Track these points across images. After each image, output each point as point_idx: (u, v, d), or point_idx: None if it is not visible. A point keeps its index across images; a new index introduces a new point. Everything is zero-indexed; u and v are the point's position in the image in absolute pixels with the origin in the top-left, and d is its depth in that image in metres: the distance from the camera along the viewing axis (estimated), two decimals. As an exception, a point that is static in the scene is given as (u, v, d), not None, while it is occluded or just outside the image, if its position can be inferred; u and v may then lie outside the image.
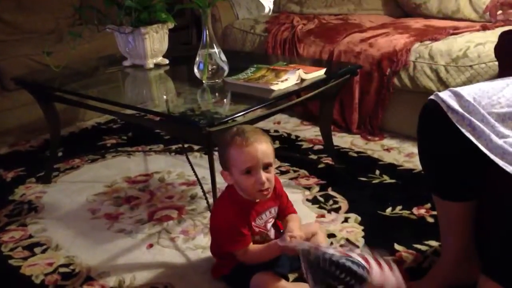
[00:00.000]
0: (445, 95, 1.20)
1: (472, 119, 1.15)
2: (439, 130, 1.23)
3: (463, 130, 1.15)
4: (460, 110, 1.16)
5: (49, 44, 2.74)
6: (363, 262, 1.18)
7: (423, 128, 1.28)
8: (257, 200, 1.44)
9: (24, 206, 2.07)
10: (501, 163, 1.08)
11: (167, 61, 2.20)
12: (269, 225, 1.48)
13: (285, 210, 1.53)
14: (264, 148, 1.37)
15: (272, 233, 1.50)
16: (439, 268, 1.40)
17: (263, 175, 1.37)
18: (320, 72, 1.84)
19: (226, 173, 1.42)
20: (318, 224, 1.70)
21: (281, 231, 1.58)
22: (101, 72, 2.31)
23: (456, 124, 1.16)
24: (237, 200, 1.43)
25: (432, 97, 1.23)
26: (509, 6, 1.40)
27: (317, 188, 2.04)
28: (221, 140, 1.43)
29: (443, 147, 1.24)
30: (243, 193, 1.43)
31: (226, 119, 1.51)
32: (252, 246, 1.43)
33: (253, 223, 1.44)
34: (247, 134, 1.38)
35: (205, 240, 1.74)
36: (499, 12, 1.43)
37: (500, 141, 1.11)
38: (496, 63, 1.76)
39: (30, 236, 1.85)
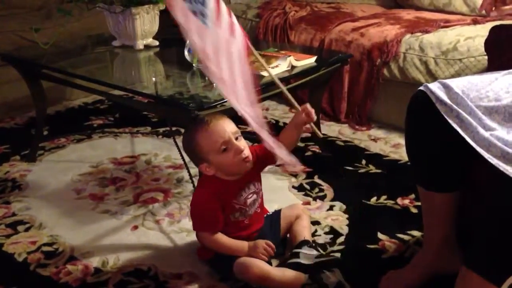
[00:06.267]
0: (434, 87, 1.21)
1: (460, 111, 1.16)
2: (426, 121, 1.24)
3: (451, 122, 1.16)
4: (448, 101, 1.17)
5: (37, 21, 2.70)
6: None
7: (411, 118, 1.29)
8: (234, 179, 1.45)
9: (8, 184, 2.05)
10: (486, 155, 1.09)
11: (157, 43, 2.18)
12: (249, 201, 1.48)
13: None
14: (225, 121, 1.41)
15: (251, 210, 1.50)
16: (420, 257, 1.42)
17: (239, 144, 1.39)
18: (311, 60, 1.84)
19: (205, 165, 1.43)
20: (302, 206, 1.71)
21: (266, 215, 1.59)
22: (90, 51, 2.28)
23: (444, 115, 1.17)
24: (214, 181, 1.44)
25: (421, 88, 1.24)
26: (502, 3, 1.41)
27: (303, 176, 2.05)
28: (185, 141, 1.45)
29: (430, 137, 1.25)
30: (227, 174, 1.44)
31: (215, 103, 1.51)
32: (221, 235, 1.45)
33: (233, 200, 1.45)
34: (205, 120, 1.41)
35: (190, 223, 1.72)
36: (493, 8, 1.44)
37: (486, 134, 1.12)
38: (485, 57, 1.77)
39: (14, 214, 1.84)
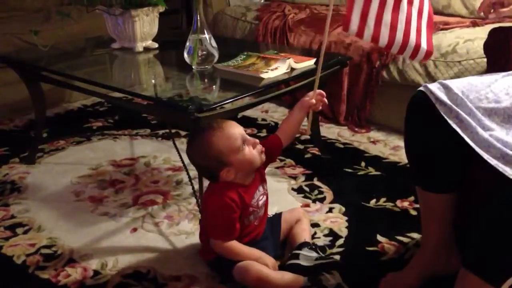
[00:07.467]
0: (434, 87, 1.21)
1: (460, 111, 1.16)
2: (426, 121, 1.24)
3: (450, 122, 1.16)
4: (448, 102, 1.17)
5: (37, 23, 2.70)
6: None
7: (410, 118, 1.29)
8: (249, 182, 1.46)
9: (7, 186, 2.05)
10: (485, 156, 1.09)
11: (156, 45, 2.18)
12: (260, 203, 1.49)
13: (273, 140, 1.54)
14: (232, 122, 1.44)
15: (261, 212, 1.51)
16: (418, 258, 1.42)
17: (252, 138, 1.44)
18: (310, 62, 1.84)
19: (225, 170, 1.41)
20: (302, 209, 1.71)
21: (269, 216, 1.59)
22: (89, 53, 2.28)
23: (444, 115, 1.17)
24: (233, 187, 1.42)
25: (421, 88, 1.24)
26: (500, 5, 1.41)
27: (302, 178, 2.05)
28: (202, 151, 1.41)
29: (429, 138, 1.25)
30: (247, 172, 1.44)
31: (214, 106, 1.51)
32: (234, 242, 1.45)
33: (249, 204, 1.45)
34: (215, 125, 1.41)
35: (189, 225, 1.74)
36: (491, 11, 1.44)
37: (486, 135, 1.12)
38: (484, 59, 1.78)
39: (13, 216, 1.84)
